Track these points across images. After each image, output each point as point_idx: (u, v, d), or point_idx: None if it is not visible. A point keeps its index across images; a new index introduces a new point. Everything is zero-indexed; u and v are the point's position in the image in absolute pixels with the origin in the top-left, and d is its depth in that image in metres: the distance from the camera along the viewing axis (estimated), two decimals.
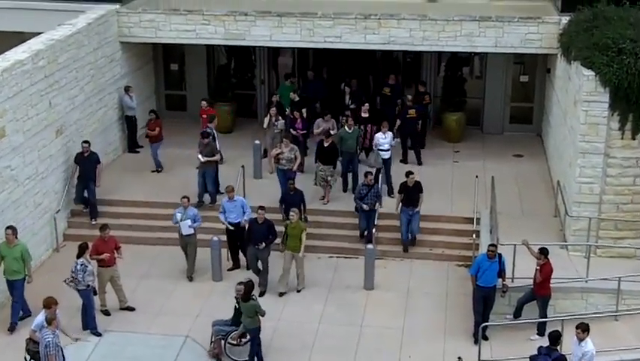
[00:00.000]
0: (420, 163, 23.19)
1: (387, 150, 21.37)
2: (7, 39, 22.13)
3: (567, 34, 20.59)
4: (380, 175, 20.95)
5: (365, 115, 22.60)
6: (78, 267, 16.84)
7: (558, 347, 14.47)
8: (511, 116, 26.03)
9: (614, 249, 18.43)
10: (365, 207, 19.52)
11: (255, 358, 16.23)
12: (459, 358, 16.37)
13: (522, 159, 24.07)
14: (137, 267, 19.39)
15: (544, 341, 15.09)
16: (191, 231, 18.85)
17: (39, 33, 21.15)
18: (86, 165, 20.67)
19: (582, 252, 18.28)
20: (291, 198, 19.53)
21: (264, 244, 18.35)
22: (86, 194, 20.98)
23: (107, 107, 23.24)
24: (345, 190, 21.46)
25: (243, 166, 21.37)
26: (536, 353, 14.53)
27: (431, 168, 22.72)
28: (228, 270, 19.25)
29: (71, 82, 21.15)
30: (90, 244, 17.40)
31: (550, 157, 23.13)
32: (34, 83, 19.38)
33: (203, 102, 23.88)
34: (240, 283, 16.58)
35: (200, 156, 21.15)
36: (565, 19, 21.42)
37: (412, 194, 19.44)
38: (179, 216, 18.91)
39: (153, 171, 23.01)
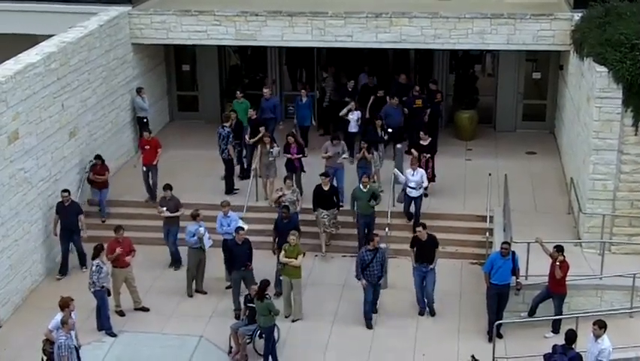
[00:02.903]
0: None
1: (417, 188, 19.94)
2: (19, 42, 22.19)
3: (579, 30, 20.52)
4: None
5: (425, 143, 21.00)
6: (93, 268, 16.92)
7: (573, 346, 14.42)
8: (524, 114, 25.97)
9: (629, 245, 18.35)
10: (363, 283, 17.25)
11: (270, 357, 16.25)
12: (472, 356, 16.29)
13: (535, 156, 24.01)
14: (150, 268, 19.44)
15: (559, 339, 15.05)
16: (211, 243, 18.58)
17: (51, 36, 21.23)
18: (68, 215, 19.13)
19: (596, 249, 18.21)
20: (285, 226, 18.33)
21: (251, 265, 17.70)
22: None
23: (119, 108, 23.30)
24: None
25: (255, 169, 21.30)
26: (551, 351, 14.47)
27: (444, 167, 22.64)
28: (227, 288, 18.66)
29: (83, 84, 21.22)
30: (105, 245, 17.50)
31: (563, 154, 23.05)
32: (47, 85, 19.45)
33: (146, 133, 21.75)
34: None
35: (164, 210, 19.33)
36: (577, 16, 21.34)
37: (425, 249, 17.49)
38: (202, 230, 18.14)
39: (103, 221, 20.98)
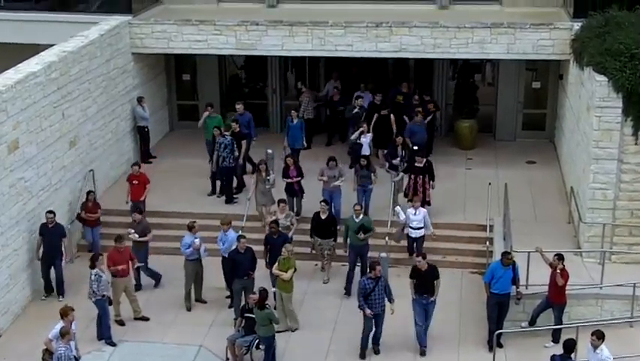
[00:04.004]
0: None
1: (419, 229, 19.16)
2: (20, 51, 22.24)
3: (579, 39, 20.55)
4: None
5: (419, 165, 20.30)
6: (92, 277, 16.91)
7: (572, 356, 14.41)
8: (524, 123, 25.99)
9: (629, 255, 18.34)
10: (368, 312, 16.40)
11: None
12: None
13: (535, 165, 24.01)
14: (150, 277, 19.41)
15: (559, 348, 15.03)
16: (207, 254, 18.48)
17: (52, 45, 21.26)
18: (51, 238, 18.42)
19: (596, 258, 18.19)
20: (275, 241, 17.95)
21: (253, 274, 17.56)
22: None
23: (119, 118, 23.32)
24: (348, 293, 18.77)
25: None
26: None
27: (444, 176, 22.64)
28: (227, 297, 18.62)
29: (84, 93, 21.24)
30: (104, 255, 17.52)
31: (563, 163, 23.06)
32: (47, 95, 19.47)
33: (135, 167, 20.94)
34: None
35: (132, 232, 18.74)
36: (577, 25, 21.37)
37: (425, 280, 16.68)
38: (197, 241, 17.97)
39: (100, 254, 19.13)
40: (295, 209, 20.65)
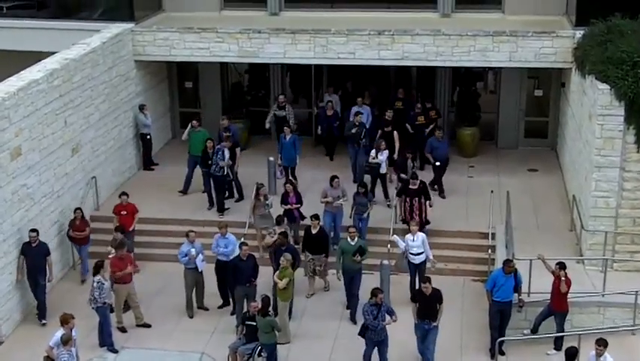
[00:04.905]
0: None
1: (420, 254, 18.47)
2: (23, 58, 22.25)
3: (581, 48, 20.58)
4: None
5: (414, 187, 19.91)
6: (94, 284, 16.92)
7: None
8: (526, 131, 25.99)
9: (631, 263, 18.32)
10: (388, 320, 16.00)
11: None
12: None
13: (537, 173, 24.00)
14: (152, 284, 19.42)
15: (561, 356, 15.03)
16: (204, 265, 18.37)
17: (54, 52, 21.29)
18: (35, 257, 17.94)
19: (598, 266, 18.17)
20: (282, 253, 17.66)
21: (255, 281, 17.54)
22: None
23: (122, 125, 23.35)
24: (353, 319, 18.20)
25: (257, 183, 21.29)
26: None
27: (446, 183, 22.63)
28: (218, 308, 18.69)
29: (86, 101, 21.27)
30: (107, 262, 17.50)
31: (565, 171, 23.06)
32: (50, 102, 19.50)
33: (124, 197, 20.26)
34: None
35: (112, 251, 18.27)
36: (579, 33, 21.40)
37: (429, 304, 16.19)
38: (193, 251, 17.88)
39: (83, 281, 19.76)
40: (293, 235, 20.20)
